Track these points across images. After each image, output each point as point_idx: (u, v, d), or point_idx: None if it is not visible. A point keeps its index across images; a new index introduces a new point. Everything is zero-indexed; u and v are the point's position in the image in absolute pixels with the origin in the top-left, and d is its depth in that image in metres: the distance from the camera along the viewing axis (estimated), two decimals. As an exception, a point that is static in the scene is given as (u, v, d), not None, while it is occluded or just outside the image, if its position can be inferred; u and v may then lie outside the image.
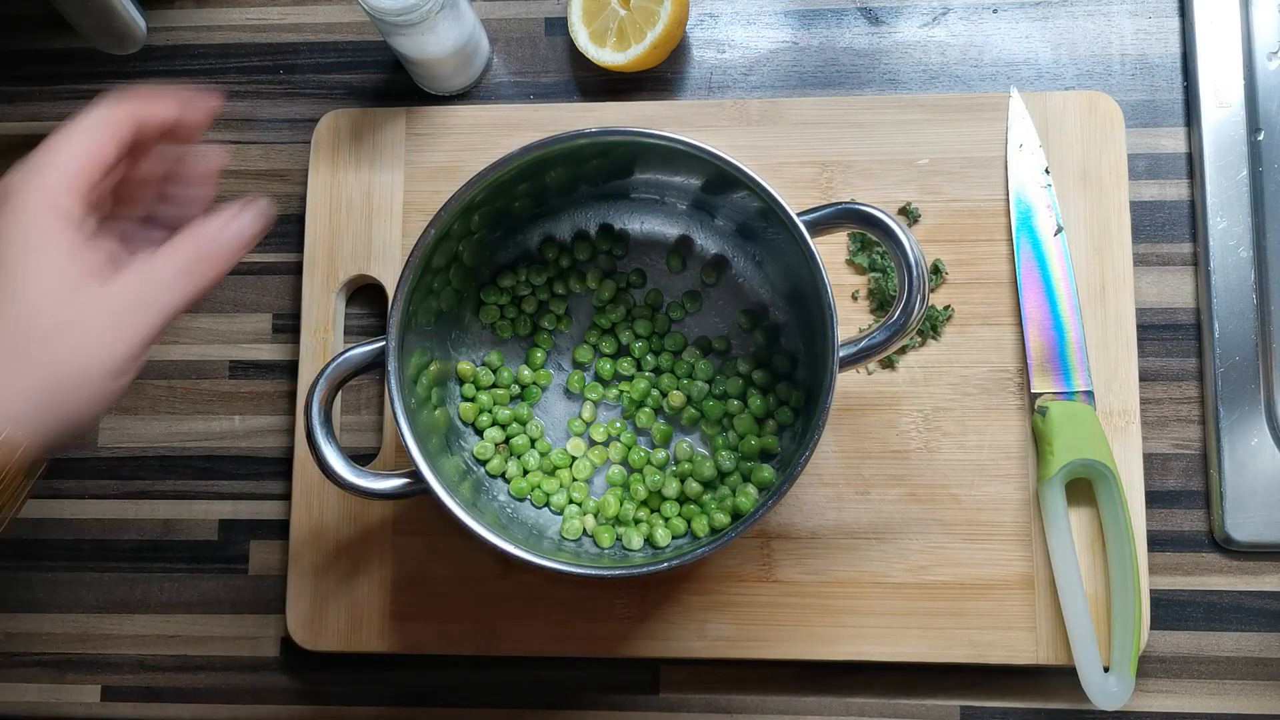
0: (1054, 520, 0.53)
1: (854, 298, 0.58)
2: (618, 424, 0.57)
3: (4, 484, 0.39)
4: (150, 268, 0.42)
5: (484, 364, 0.58)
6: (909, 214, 0.58)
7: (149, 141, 0.44)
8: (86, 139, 0.41)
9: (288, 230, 0.62)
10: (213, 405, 0.61)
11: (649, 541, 0.54)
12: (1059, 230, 0.57)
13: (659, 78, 0.62)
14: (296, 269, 0.61)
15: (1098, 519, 0.55)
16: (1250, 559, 0.56)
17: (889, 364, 0.57)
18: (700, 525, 0.53)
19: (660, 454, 0.56)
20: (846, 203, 0.48)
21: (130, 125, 0.42)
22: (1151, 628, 0.56)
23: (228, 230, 0.43)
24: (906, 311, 0.47)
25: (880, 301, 0.58)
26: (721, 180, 0.51)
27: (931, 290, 0.58)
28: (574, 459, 0.57)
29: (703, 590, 0.56)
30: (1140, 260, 0.59)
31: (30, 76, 0.65)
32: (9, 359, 0.39)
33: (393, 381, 0.49)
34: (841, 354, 0.47)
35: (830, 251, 0.58)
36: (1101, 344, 0.56)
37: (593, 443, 0.57)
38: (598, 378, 0.58)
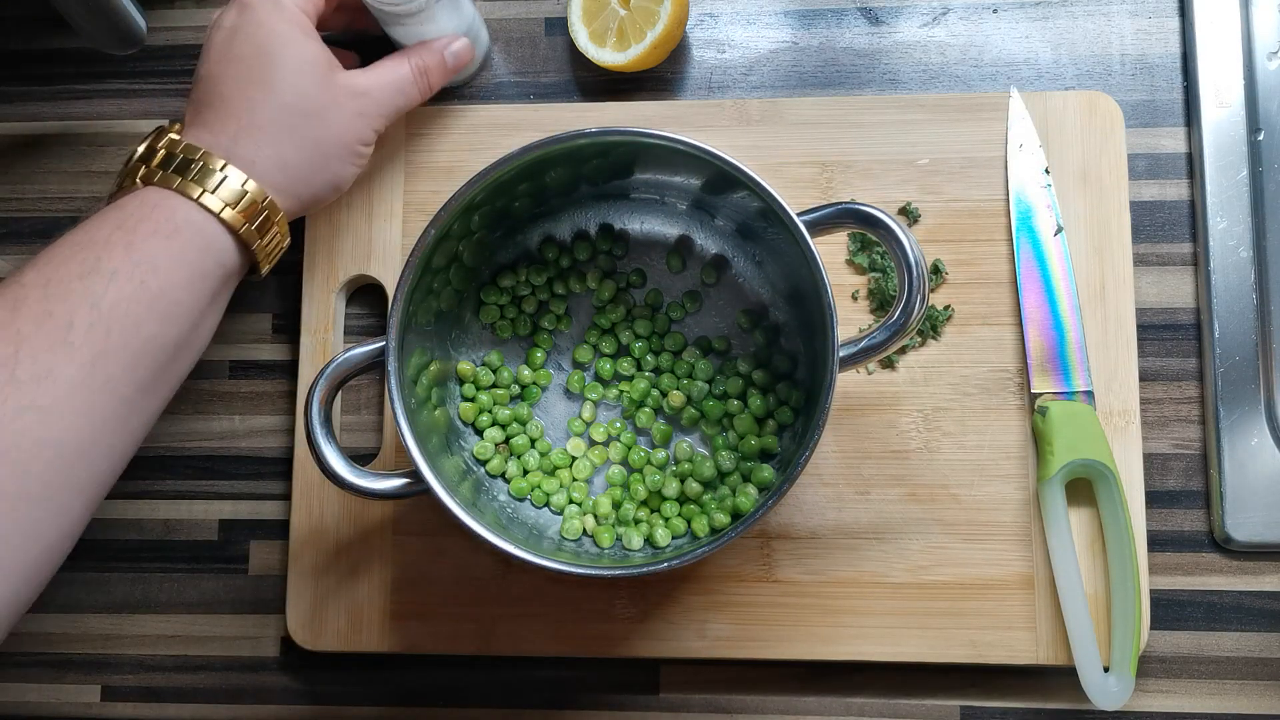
0: (1054, 520, 0.53)
1: (854, 298, 0.58)
2: (618, 424, 0.57)
3: (272, 233, 0.50)
4: (388, 68, 0.53)
5: (484, 364, 0.58)
6: (909, 214, 0.58)
7: None
8: None
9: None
10: (213, 405, 0.61)
11: (649, 541, 0.54)
12: (1059, 230, 0.57)
13: (659, 78, 0.62)
14: (296, 269, 0.61)
15: (1098, 519, 0.55)
16: (1250, 559, 0.56)
17: (889, 364, 0.57)
18: (700, 525, 0.53)
19: (660, 454, 0.56)
20: (846, 203, 0.48)
21: None
22: (1151, 628, 0.56)
23: (448, 49, 0.55)
24: (906, 311, 0.47)
25: (880, 301, 0.58)
26: (721, 180, 0.51)
27: (931, 290, 0.58)
28: (574, 459, 0.57)
29: (703, 590, 0.56)
30: (1140, 260, 0.59)
31: (30, 76, 0.65)
32: (275, 140, 0.49)
33: (393, 381, 0.49)
34: (841, 354, 0.47)
35: (830, 251, 0.58)
36: (1101, 344, 0.56)
37: (593, 443, 0.57)
38: (598, 378, 0.58)
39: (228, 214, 0.47)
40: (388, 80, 0.53)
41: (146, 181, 0.47)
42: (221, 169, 0.47)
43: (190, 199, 0.47)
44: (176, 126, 0.51)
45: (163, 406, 0.47)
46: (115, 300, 0.43)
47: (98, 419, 0.42)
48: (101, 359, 0.42)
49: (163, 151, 0.48)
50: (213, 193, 0.47)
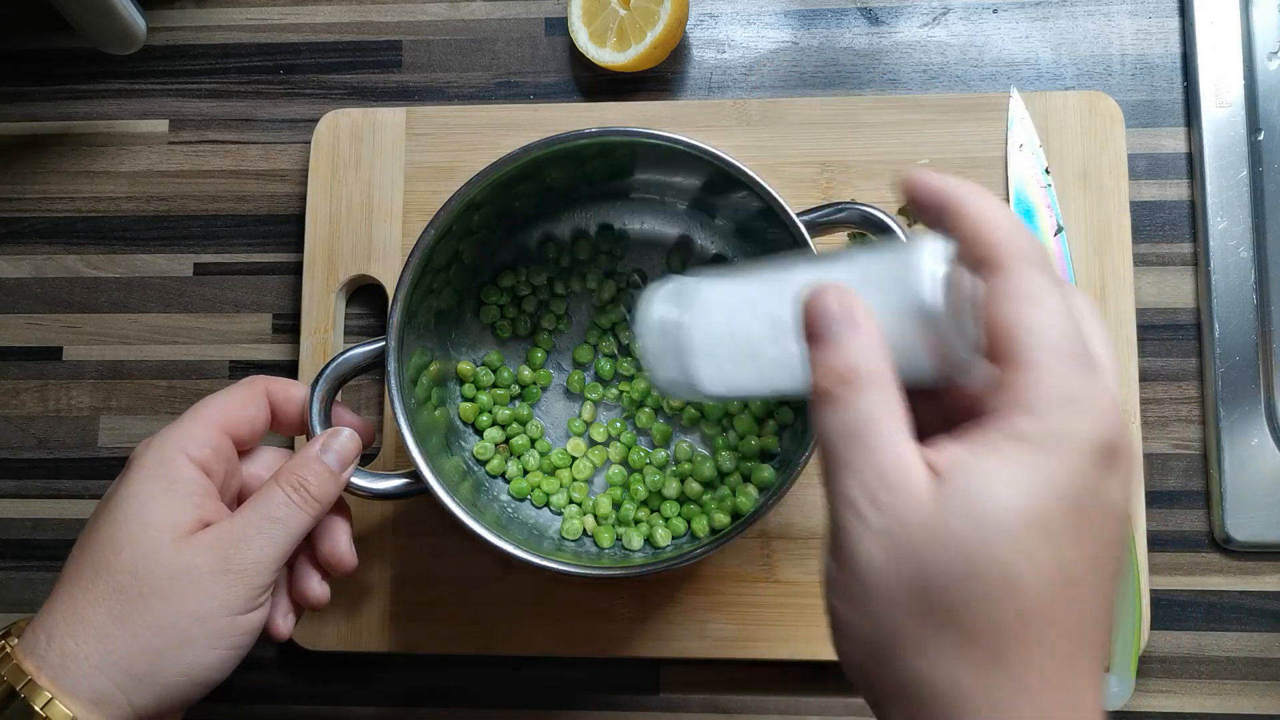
0: (1054, 520, 0.53)
1: (854, 298, 0.58)
2: (618, 424, 0.57)
3: None
4: (250, 505, 0.43)
5: (484, 364, 0.58)
6: (909, 214, 0.58)
7: (261, 431, 0.47)
8: (225, 399, 0.45)
9: (288, 230, 0.62)
10: (213, 405, 0.61)
11: (649, 541, 0.54)
12: (1059, 230, 0.57)
13: (659, 78, 0.62)
14: (296, 269, 0.61)
15: (1098, 519, 0.55)
16: (1250, 559, 0.56)
17: (889, 364, 0.57)
18: (700, 525, 0.53)
19: (660, 454, 0.56)
20: (846, 203, 0.48)
21: (264, 398, 0.47)
22: (1151, 628, 0.56)
23: (324, 452, 0.45)
24: (906, 311, 0.47)
25: (880, 301, 0.57)
26: (721, 180, 0.51)
27: (931, 290, 0.58)
28: (574, 459, 0.57)
29: (703, 590, 0.56)
30: (1140, 260, 0.59)
31: (30, 76, 0.65)
32: (111, 623, 0.39)
33: (393, 381, 0.49)
34: (841, 354, 0.47)
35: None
36: (1101, 344, 0.56)
37: (593, 443, 0.57)
38: (598, 378, 0.58)
39: None
40: (250, 519, 0.42)
41: None
42: (44, 707, 0.38)
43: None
44: (19, 625, 0.41)
45: None
46: None
47: None
48: None
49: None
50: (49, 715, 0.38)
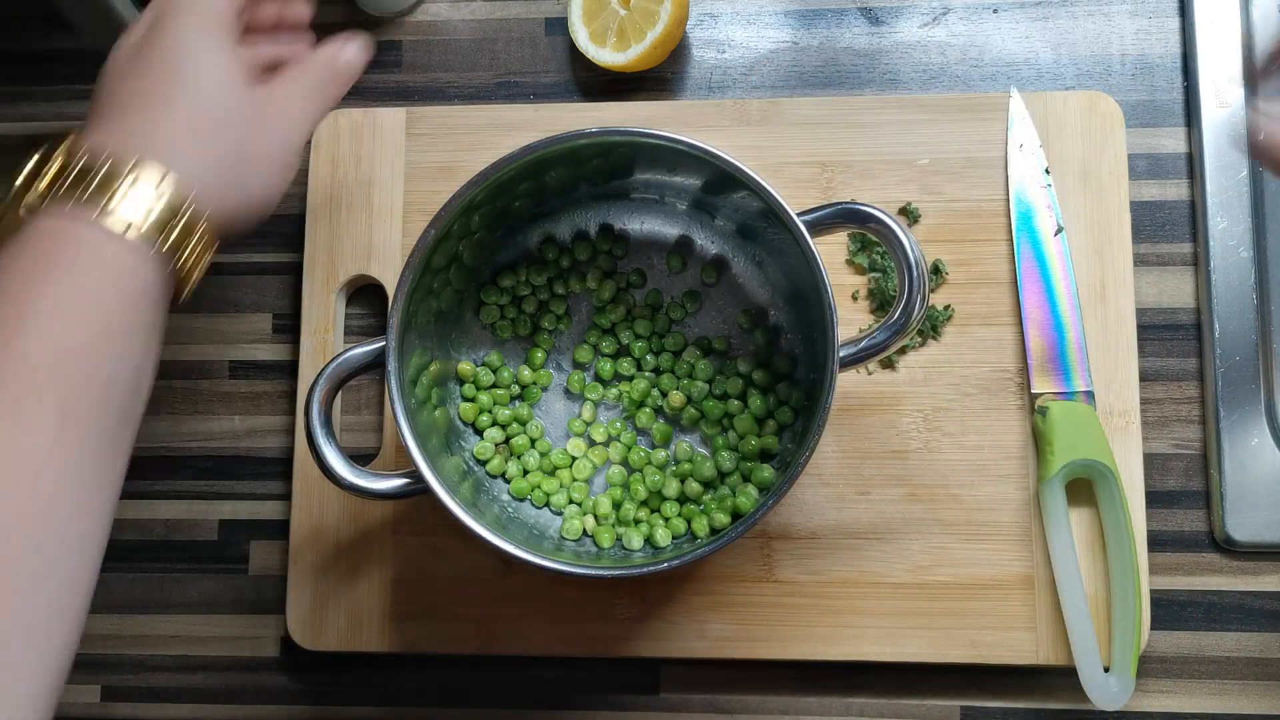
0: (1054, 520, 0.53)
1: (854, 298, 0.58)
2: (618, 424, 0.57)
3: (194, 248, 0.42)
4: (295, 77, 0.47)
5: (484, 364, 0.58)
6: (909, 214, 0.58)
7: None
8: None
9: (288, 230, 0.62)
10: (213, 405, 0.61)
11: (649, 541, 0.54)
12: (1059, 230, 0.57)
13: (659, 78, 0.62)
14: (296, 269, 0.61)
15: (1098, 519, 0.55)
16: (1250, 559, 0.56)
17: (889, 364, 0.57)
18: (700, 525, 0.53)
19: (660, 454, 0.56)
20: (846, 203, 0.48)
21: None
22: (1152, 628, 0.56)
23: (343, 55, 0.49)
24: (906, 311, 0.47)
25: (880, 301, 0.58)
26: (721, 180, 0.51)
27: (931, 290, 0.58)
28: (574, 459, 0.57)
29: (703, 590, 0.56)
30: (1140, 260, 0.59)
31: (30, 76, 0.65)
32: (193, 141, 0.42)
33: (393, 381, 0.49)
34: (842, 354, 0.47)
35: (830, 251, 0.58)
36: (1101, 344, 0.56)
37: (593, 443, 0.57)
38: (598, 378, 0.58)
39: (133, 234, 0.40)
40: (296, 91, 0.47)
41: (33, 209, 0.40)
42: (130, 172, 0.40)
43: (91, 222, 0.39)
44: (72, 135, 0.43)
45: (127, 462, 0.41)
46: (59, 349, 0.37)
47: (76, 478, 0.37)
48: (68, 409, 0.37)
49: (59, 162, 0.41)
50: (117, 207, 0.40)
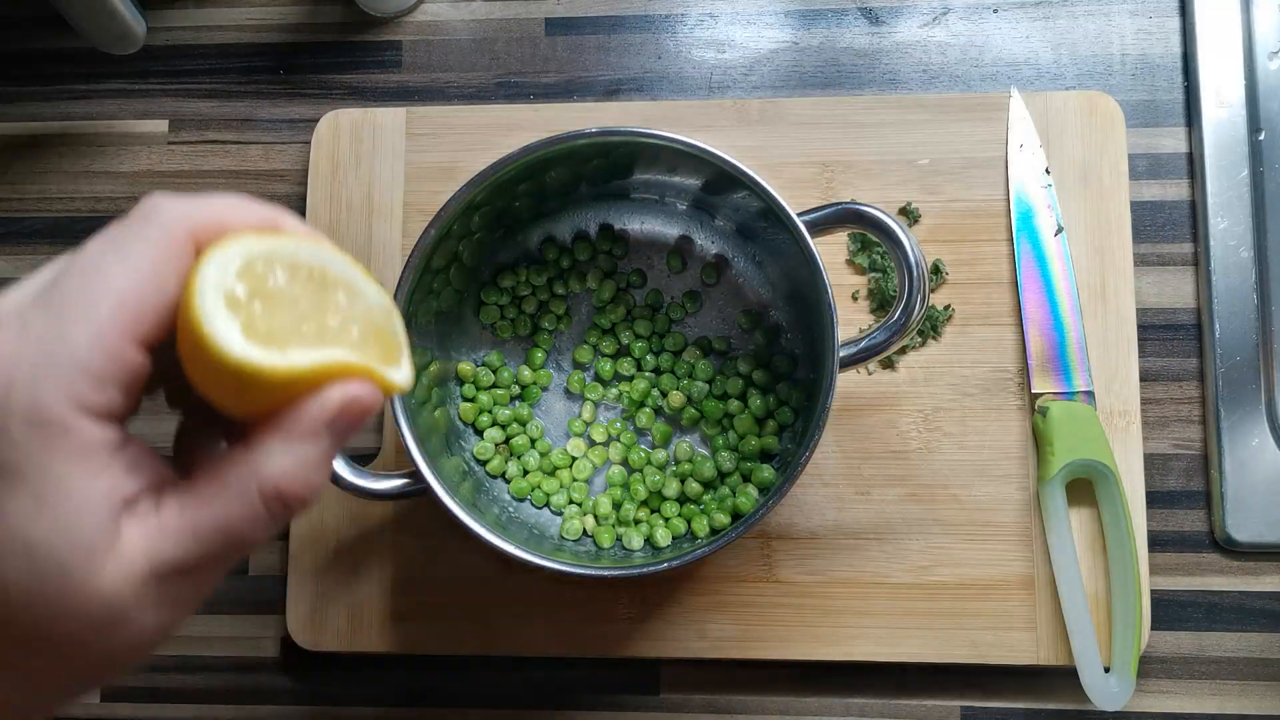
0: (1054, 520, 0.53)
1: (854, 298, 0.58)
2: (618, 424, 0.57)
3: None
4: (212, 507, 0.26)
5: (484, 364, 0.58)
6: (909, 214, 0.58)
7: None
8: (130, 273, 0.25)
9: (288, 230, 0.62)
10: (213, 405, 0.61)
11: (649, 542, 0.54)
12: (1059, 230, 0.57)
13: (659, 78, 0.62)
14: (296, 269, 0.61)
15: (1098, 519, 0.55)
16: (1251, 559, 0.56)
17: (889, 364, 0.57)
18: (700, 525, 0.53)
19: (660, 454, 0.56)
20: (846, 203, 0.48)
21: (188, 255, 0.26)
22: (1152, 628, 0.56)
23: (346, 416, 0.26)
24: (907, 311, 0.47)
25: (880, 301, 0.58)
26: (721, 180, 0.51)
27: (931, 290, 0.58)
28: (574, 459, 0.57)
29: (703, 590, 0.56)
30: (1141, 260, 0.59)
31: (30, 76, 0.65)
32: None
33: (392, 381, 0.48)
34: (842, 354, 0.47)
35: (830, 251, 0.58)
36: (1102, 344, 0.56)
37: (593, 443, 0.57)
38: (598, 378, 0.58)
39: None
40: (208, 529, 0.26)
41: None
42: None
43: None
44: None
45: None
46: None
47: None
48: None
49: None
50: None
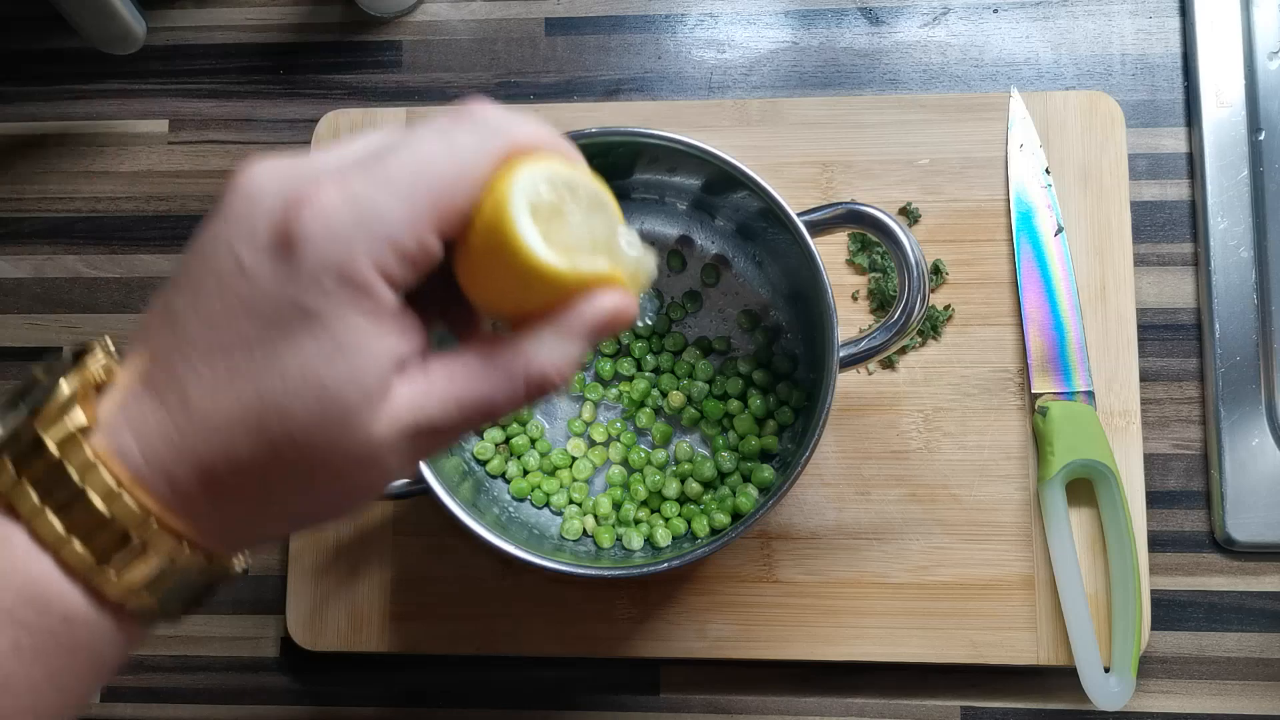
0: (1054, 520, 0.53)
1: (854, 298, 0.58)
2: (618, 424, 0.57)
3: (139, 569, 0.30)
4: (470, 382, 0.29)
5: (484, 364, 0.58)
6: (909, 214, 0.58)
7: None
8: (458, 166, 0.27)
9: (288, 230, 0.62)
10: (213, 405, 0.61)
11: (649, 542, 0.54)
12: (1059, 230, 0.57)
13: (659, 78, 0.62)
14: (296, 269, 0.61)
15: (1098, 519, 0.55)
16: (1251, 559, 0.56)
17: (889, 364, 0.57)
18: (700, 525, 0.53)
19: (660, 454, 0.56)
20: (846, 203, 0.48)
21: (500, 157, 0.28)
22: (1152, 628, 0.56)
23: (598, 312, 0.28)
24: (907, 312, 0.47)
25: (880, 301, 0.58)
26: (722, 180, 0.51)
27: (932, 290, 0.58)
28: (574, 459, 0.57)
29: (703, 590, 0.56)
30: (1141, 260, 0.59)
31: (30, 76, 0.65)
32: (268, 502, 0.28)
33: (393, 381, 0.48)
34: (842, 354, 0.47)
35: (830, 251, 0.58)
36: (1102, 344, 0.56)
37: (593, 443, 0.57)
38: (598, 378, 0.58)
39: (69, 551, 0.27)
40: (472, 399, 0.29)
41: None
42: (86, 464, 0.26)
43: (20, 522, 0.27)
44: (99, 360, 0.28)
45: None
46: None
47: None
48: None
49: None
50: (58, 511, 0.27)
